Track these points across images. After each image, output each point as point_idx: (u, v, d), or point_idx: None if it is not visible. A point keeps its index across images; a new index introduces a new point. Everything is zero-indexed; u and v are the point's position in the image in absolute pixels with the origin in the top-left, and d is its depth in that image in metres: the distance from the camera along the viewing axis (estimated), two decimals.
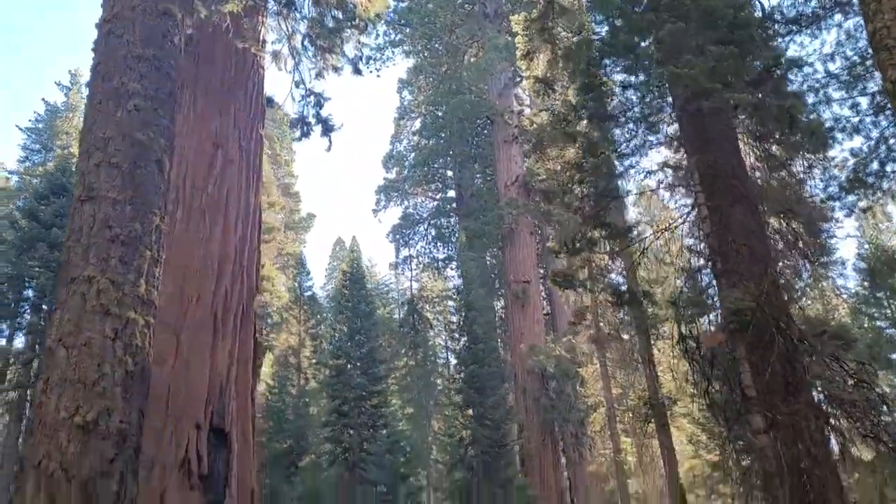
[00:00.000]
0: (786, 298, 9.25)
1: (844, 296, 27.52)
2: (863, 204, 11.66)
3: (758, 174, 10.90)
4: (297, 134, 23.78)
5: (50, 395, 5.03)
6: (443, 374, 47.52)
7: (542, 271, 41.05)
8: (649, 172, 10.22)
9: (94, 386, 5.27)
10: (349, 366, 32.69)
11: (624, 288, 11.18)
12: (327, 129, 22.56)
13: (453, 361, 36.27)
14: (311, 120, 22.63)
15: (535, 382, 34.16)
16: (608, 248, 10.83)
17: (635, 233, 10.73)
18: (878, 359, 13.86)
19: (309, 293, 44.34)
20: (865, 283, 25.09)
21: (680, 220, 9.70)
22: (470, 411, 28.90)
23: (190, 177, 18.26)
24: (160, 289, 16.02)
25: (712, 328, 8.63)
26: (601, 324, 20.01)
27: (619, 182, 12.96)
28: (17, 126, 64.89)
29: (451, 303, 33.94)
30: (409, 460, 29.11)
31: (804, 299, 29.09)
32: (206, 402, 15.53)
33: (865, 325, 25.10)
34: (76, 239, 5.64)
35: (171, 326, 16.08)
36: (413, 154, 50.28)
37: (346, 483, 29.09)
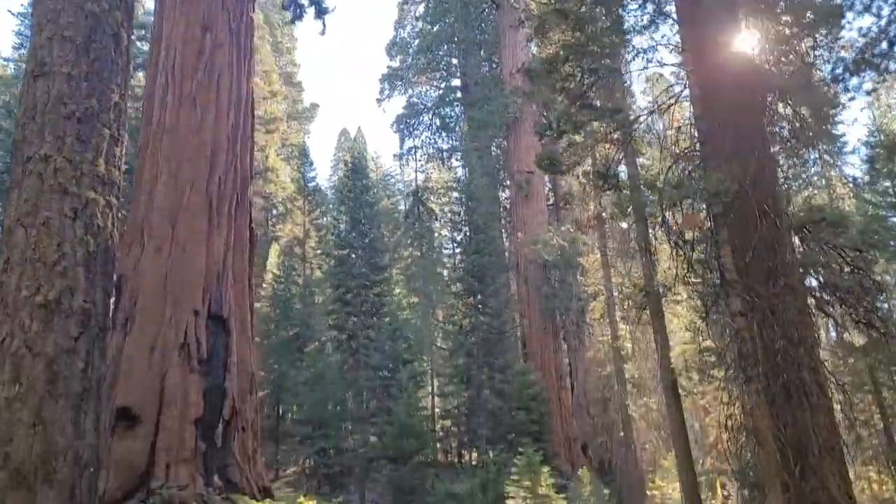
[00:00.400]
0: (779, 182, 9.06)
1: (851, 185, 27.19)
2: (868, 86, 11.20)
3: (762, 55, 10.45)
4: (290, 16, 23.03)
5: (10, 275, 4.98)
6: (447, 264, 47.99)
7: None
8: (643, 51, 9.75)
9: (54, 266, 5.20)
10: (352, 255, 32.97)
11: (611, 172, 10.94)
12: (321, 11, 21.77)
13: (457, 252, 36.46)
14: (304, 1, 21.81)
15: (536, 272, 34.49)
16: (600, 132, 10.51)
17: (624, 115, 10.36)
18: (877, 246, 13.74)
19: (313, 184, 44.23)
20: (876, 168, 24.68)
21: (672, 101, 9.36)
22: (470, 300, 29.32)
23: (179, 62, 17.74)
24: (159, 178, 15.89)
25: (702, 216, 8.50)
26: (591, 210, 19.88)
27: (619, 65, 12.50)
28: (9, 11, 63.02)
29: (455, 194, 33.78)
30: (411, 347, 29.81)
31: (810, 188, 28.86)
32: (204, 289, 15.72)
33: (870, 213, 24.88)
34: (30, 116, 5.45)
35: (167, 214, 16.09)
36: (417, 41, 48.76)
37: (349, 368, 29.97)
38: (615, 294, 26.01)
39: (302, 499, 13.84)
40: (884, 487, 24.82)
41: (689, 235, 7.59)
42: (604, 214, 24.85)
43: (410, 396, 25.18)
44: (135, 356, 14.53)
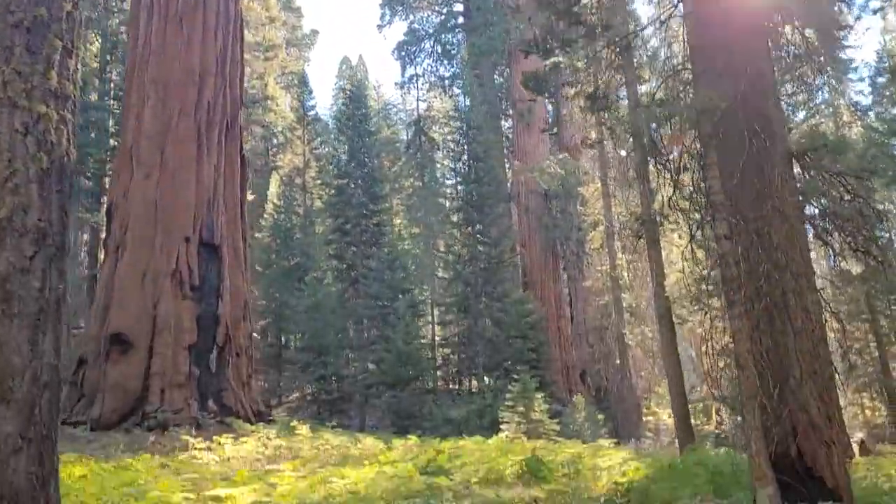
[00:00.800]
0: (775, 102, 8.73)
1: (857, 113, 26.60)
2: (875, 4, 10.74)
3: None
4: None
5: None
6: (449, 195, 47.68)
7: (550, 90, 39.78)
8: None
9: (5, 183, 5.05)
10: (351, 185, 32.72)
11: (599, 93, 10.56)
12: None
13: (458, 182, 36.11)
14: None
15: (537, 202, 34.26)
16: (590, 50, 10.08)
17: (615, 31, 9.91)
18: (875, 171, 13.47)
19: (312, 113, 43.60)
20: (883, 94, 24.10)
21: (664, 17, 8.94)
22: (469, 229, 29.18)
23: None
24: (146, 103, 15.53)
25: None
26: (593, 136, 19.48)
27: None
28: None
29: (457, 123, 33.22)
30: (410, 276, 29.85)
31: (817, 116, 28.27)
32: (194, 216, 15.62)
33: (876, 141, 24.40)
34: None
35: (155, 140, 15.85)
36: None
37: (349, 297, 30.13)
38: (614, 224, 25.80)
39: (295, 422, 14.05)
40: (876, 413, 25.15)
41: (679, 159, 7.34)
42: (605, 142, 24.41)
43: (408, 325, 25.33)
44: (126, 283, 14.56)
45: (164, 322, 14.40)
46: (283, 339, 32.34)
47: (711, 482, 8.64)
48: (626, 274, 25.82)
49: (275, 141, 45.58)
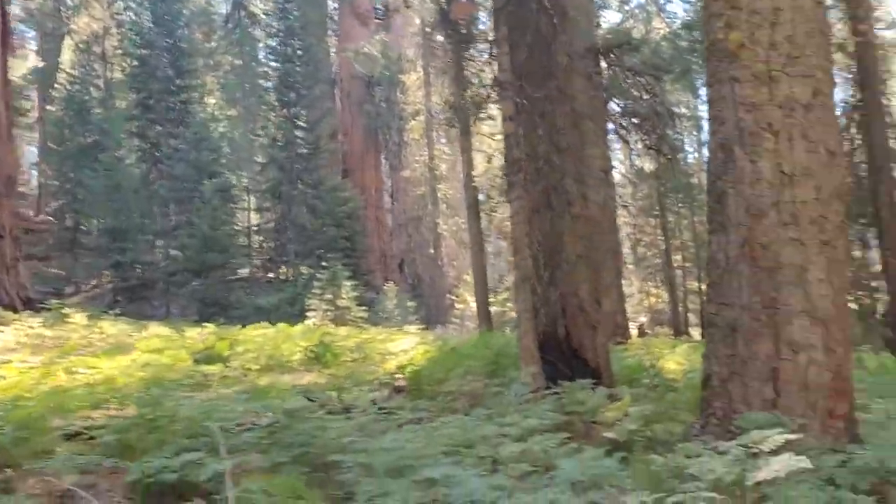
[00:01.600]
0: None
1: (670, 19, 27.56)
2: None
3: None
4: None
5: None
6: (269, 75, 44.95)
7: None
8: None
9: None
10: (155, 56, 29.77)
11: None
12: None
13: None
14: None
15: (360, 88, 33.14)
16: None
17: None
18: (664, 67, 13.87)
19: None
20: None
21: None
22: (285, 111, 27.71)
23: None
24: None
25: None
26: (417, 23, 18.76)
27: None
28: None
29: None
30: (220, 159, 28.12)
31: (631, 20, 29.00)
32: None
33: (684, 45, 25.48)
34: None
35: None
36: None
37: (152, 178, 27.99)
38: (433, 114, 25.54)
39: (70, 310, 12.85)
40: (659, 300, 27.60)
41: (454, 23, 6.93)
42: (427, 29, 23.68)
43: (216, 209, 23.99)
44: None
45: None
46: (79, 222, 29.67)
47: (495, 363, 8.82)
48: (442, 165, 25.84)
49: (69, 2, 40.41)
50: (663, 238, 24.63)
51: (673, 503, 2.81)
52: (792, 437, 2.92)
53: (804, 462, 2.59)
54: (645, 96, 15.32)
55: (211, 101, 38.26)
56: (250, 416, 5.01)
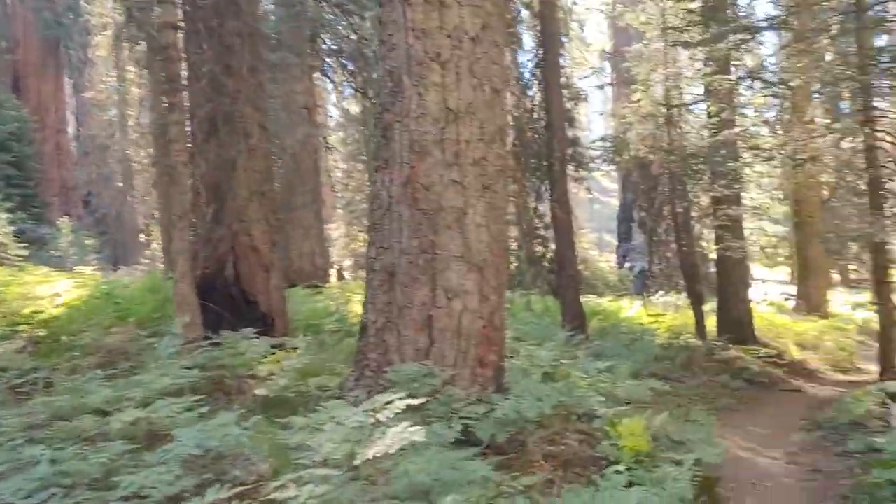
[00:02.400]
0: None
1: None
2: None
3: None
4: None
5: None
6: None
7: None
8: None
9: None
10: None
11: None
12: None
13: None
14: None
15: None
16: None
17: None
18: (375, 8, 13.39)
19: None
20: None
21: None
22: None
23: None
24: None
25: None
26: None
27: None
28: None
29: None
30: None
31: None
32: None
33: None
34: None
35: None
36: None
37: None
38: (124, 31, 22.51)
39: None
40: (360, 245, 27.68)
41: None
42: None
43: None
44: None
45: None
46: None
47: (161, 311, 7.82)
48: (135, 90, 23.02)
49: None
50: (369, 182, 24.61)
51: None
52: (414, 402, 2.57)
53: (418, 435, 2.24)
54: (352, 36, 14.79)
55: None
56: None
